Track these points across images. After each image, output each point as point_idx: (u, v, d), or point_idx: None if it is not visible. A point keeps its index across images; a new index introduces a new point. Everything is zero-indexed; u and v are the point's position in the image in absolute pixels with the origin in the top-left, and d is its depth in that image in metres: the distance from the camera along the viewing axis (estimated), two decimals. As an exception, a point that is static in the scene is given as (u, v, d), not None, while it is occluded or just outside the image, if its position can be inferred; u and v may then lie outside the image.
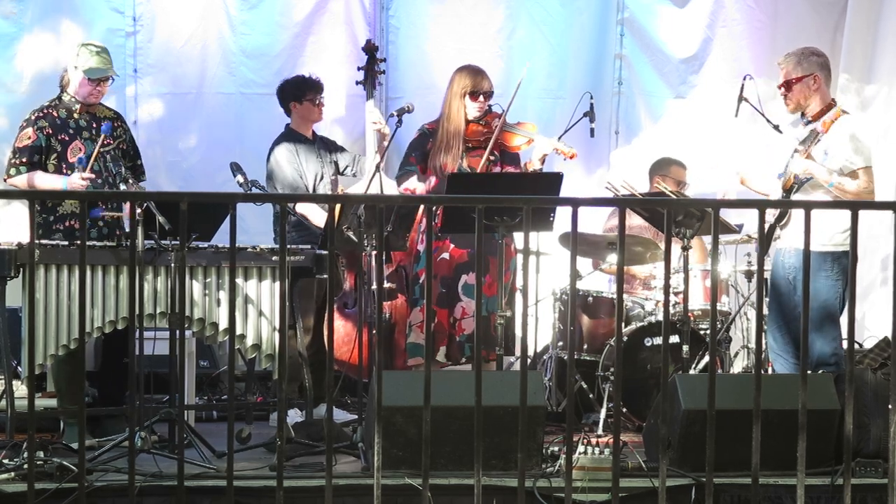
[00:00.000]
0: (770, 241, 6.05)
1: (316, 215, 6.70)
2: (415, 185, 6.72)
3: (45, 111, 6.22)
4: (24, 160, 6.14)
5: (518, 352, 6.44)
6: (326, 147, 7.09)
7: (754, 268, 7.13)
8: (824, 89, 6.05)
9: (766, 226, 6.08)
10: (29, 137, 6.15)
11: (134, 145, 6.50)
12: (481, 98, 6.77)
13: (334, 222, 5.85)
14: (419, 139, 6.85)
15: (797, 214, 5.92)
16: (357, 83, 6.99)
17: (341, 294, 6.97)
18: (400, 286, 7.00)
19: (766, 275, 6.22)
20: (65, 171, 6.14)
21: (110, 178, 6.16)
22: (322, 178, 6.96)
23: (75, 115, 6.24)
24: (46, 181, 6.09)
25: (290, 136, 7.00)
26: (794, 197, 5.93)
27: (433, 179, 6.74)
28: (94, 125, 6.29)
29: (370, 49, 6.97)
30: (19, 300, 5.66)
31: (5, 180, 6.23)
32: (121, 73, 7.91)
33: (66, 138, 6.19)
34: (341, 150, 7.17)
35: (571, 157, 6.72)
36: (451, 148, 6.73)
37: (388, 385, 4.65)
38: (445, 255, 6.69)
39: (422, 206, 6.05)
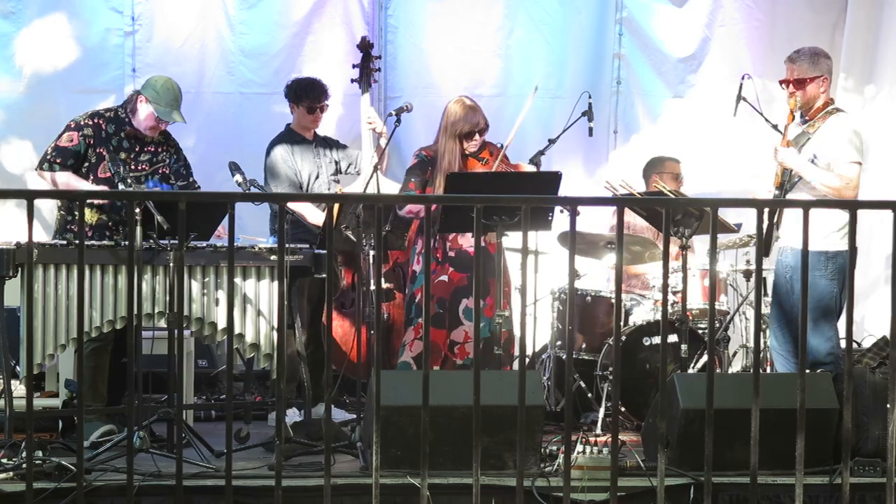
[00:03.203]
0: (770, 241, 6.05)
1: (312, 214, 6.70)
2: (418, 208, 6.61)
3: (95, 120, 6.20)
4: (58, 160, 6.13)
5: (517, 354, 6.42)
6: (327, 145, 7.09)
7: (753, 267, 7.13)
8: (828, 91, 6.09)
9: (764, 226, 6.10)
10: (70, 140, 6.15)
11: (181, 167, 6.42)
12: (476, 136, 6.69)
13: (333, 221, 5.85)
14: (419, 166, 6.66)
15: (789, 214, 5.94)
16: (352, 81, 6.99)
17: (339, 294, 6.97)
18: (398, 285, 6.99)
19: (765, 274, 6.22)
20: (91, 183, 6.14)
21: (116, 180, 6.14)
22: (318, 177, 6.96)
23: (122, 134, 6.23)
24: (70, 181, 6.07)
25: (288, 135, 7.01)
26: (789, 196, 5.94)
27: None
28: (137, 148, 6.27)
29: (365, 46, 6.97)
30: (18, 300, 5.66)
31: (37, 171, 6.23)
32: (119, 72, 7.96)
33: (104, 153, 6.18)
34: (343, 148, 7.17)
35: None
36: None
37: (386, 385, 4.66)
38: (444, 278, 6.62)
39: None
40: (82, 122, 6.20)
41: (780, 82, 6.12)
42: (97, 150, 6.17)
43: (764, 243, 6.04)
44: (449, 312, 6.59)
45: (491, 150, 6.74)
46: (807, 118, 6.07)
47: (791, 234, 5.97)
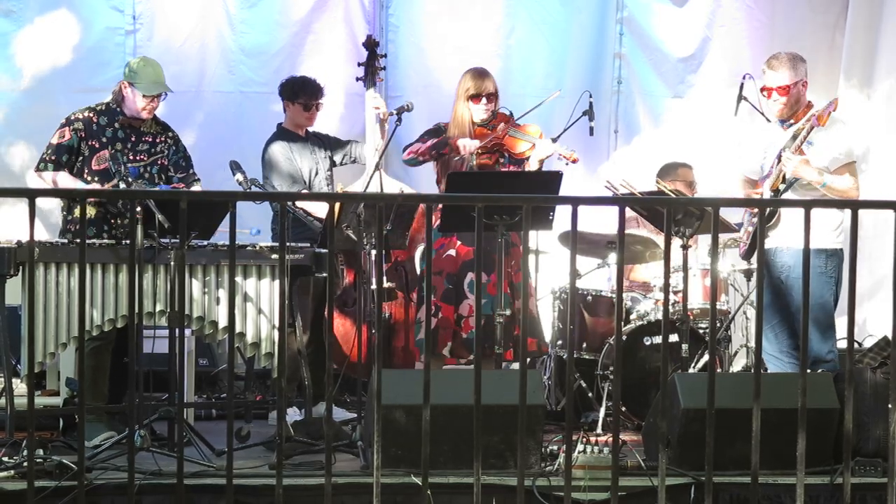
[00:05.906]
0: (754, 243, 6.06)
1: (317, 208, 6.70)
2: (417, 146, 6.65)
3: (85, 115, 6.21)
4: (53, 158, 6.15)
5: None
6: (320, 143, 7.11)
7: (754, 267, 7.12)
8: (805, 94, 6.12)
9: (752, 228, 6.11)
10: (63, 136, 6.17)
11: (180, 159, 6.40)
12: (484, 101, 6.68)
13: (334, 221, 5.85)
14: (434, 130, 6.75)
15: (786, 214, 5.93)
16: (357, 79, 6.99)
17: (340, 293, 6.97)
18: (399, 285, 6.98)
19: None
20: (85, 176, 6.14)
21: (117, 179, 6.13)
22: (317, 173, 6.97)
23: (115, 125, 6.23)
24: (68, 183, 6.07)
25: (282, 134, 7.04)
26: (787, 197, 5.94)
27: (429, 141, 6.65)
28: (133, 138, 6.27)
29: (371, 44, 6.97)
30: (19, 298, 5.66)
31: (35, 172, 6.25)
32: (120, 71, 7.93)
33: (97, 145, 6.18)
34: (335, 143, 7.18)
35: (573, 161, 6.61)
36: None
37: (387, 383, 4.65)
38: (451, 252, 6.63)
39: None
40: (72, 118, 6.21)
41: (762, 90, 6.10)
42: (89, 143, 6.17)
43: (749, 248, 6.09)
44: (457, 287, 6.59)
45: (501, 119, 6.75)
46: (792, 122, 6.08)
47: (786, 233, 5.97)
